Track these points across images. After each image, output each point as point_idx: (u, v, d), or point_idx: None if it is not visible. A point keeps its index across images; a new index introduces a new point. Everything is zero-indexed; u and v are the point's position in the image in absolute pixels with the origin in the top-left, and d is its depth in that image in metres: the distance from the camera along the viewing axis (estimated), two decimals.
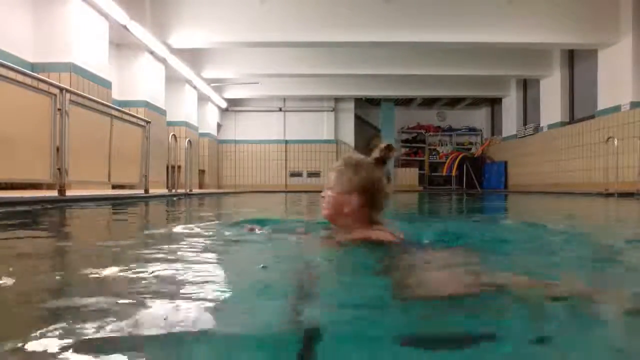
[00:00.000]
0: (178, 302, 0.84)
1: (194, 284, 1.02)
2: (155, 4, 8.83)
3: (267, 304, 0.86)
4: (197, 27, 9.20)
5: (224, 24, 9.15)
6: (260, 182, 15.84)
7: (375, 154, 1.41)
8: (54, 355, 0.58)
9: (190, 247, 1.58)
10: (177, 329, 0.69)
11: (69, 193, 4.77)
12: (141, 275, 1.08)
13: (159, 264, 1.24)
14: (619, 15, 9.16)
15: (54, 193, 4.60)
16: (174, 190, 7.89)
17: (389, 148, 1.40)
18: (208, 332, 0.69)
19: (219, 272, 1.21)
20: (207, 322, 0.75)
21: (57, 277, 1.14)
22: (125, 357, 0.59)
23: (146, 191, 6.85)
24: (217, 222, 2.73)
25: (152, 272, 1.11)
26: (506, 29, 9.17)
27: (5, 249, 1.65)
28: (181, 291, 0.94)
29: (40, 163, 4.44)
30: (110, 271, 1.13)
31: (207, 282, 1.05)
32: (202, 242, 1.71)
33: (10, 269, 1.18)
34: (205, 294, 0.93)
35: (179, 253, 1.45)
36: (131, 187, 7.38)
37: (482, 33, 9.19)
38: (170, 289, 0.96)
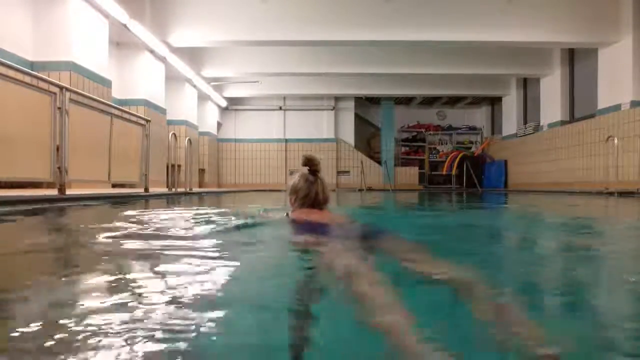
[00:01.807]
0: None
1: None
2: (155, 3, 8.82)
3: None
4: (197, 26, 9.18)
5: (224, 23, 9.14)
6: (260, 181, 15.83)
7: (305, 167, 2.13)
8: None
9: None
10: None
11: (69, 192, 4.77)
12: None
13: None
14: (619, 14, 9.15)
15: (54, 192, 4.60)
16: (174, 189, 7.90)
17: (306, 160, 2.11)
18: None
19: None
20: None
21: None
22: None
23: (146, 190, 6.85)
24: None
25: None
26: (506, 27, 9.15)
27: None
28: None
29: (40, 162, 4.44)
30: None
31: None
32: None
33: None
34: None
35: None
36: (131, 186, 7.38)
37: (482, 32, 9.18)
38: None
